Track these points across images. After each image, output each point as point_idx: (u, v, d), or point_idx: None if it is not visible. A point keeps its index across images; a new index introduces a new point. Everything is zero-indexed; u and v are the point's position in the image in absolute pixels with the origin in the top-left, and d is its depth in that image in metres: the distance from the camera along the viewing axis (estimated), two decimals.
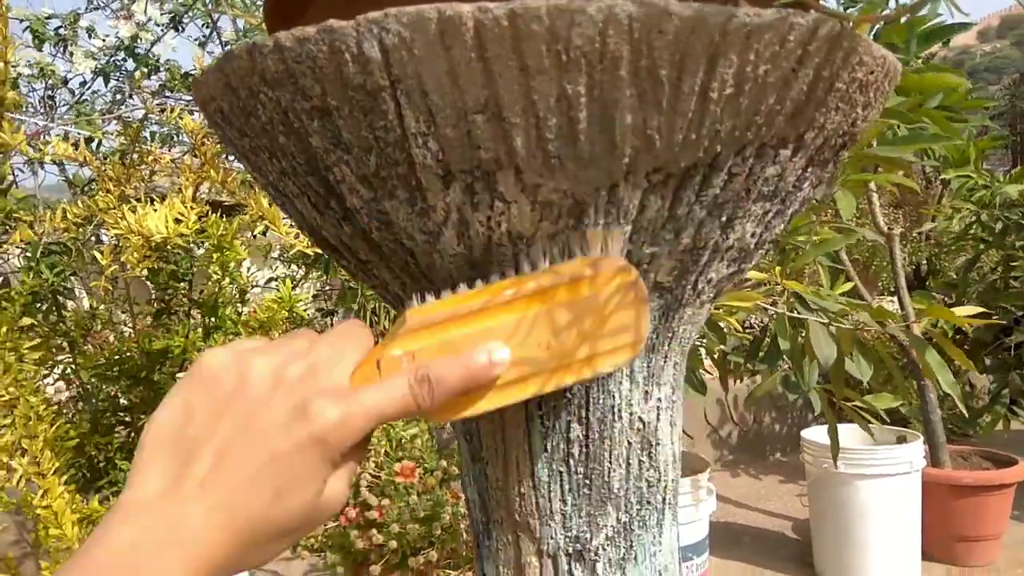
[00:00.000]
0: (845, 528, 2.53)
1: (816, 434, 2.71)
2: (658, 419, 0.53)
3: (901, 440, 2.59)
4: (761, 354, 1.77)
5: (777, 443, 4.25)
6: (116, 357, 1.49)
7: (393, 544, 1.61)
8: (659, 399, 0.52)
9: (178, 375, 1.53)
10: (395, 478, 1.65)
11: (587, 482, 0.52)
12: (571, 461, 0.51)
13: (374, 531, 1.61)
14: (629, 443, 0.51)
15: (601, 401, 0.50)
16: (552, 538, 0.52)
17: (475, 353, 0.41)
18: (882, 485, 2.45)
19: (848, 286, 1.93)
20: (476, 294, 0.42)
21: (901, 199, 4.96)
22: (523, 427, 0.50)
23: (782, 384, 2.01)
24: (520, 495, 0.52)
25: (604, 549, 0.52)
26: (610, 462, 0.52)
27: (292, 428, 0.37)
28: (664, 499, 0.55)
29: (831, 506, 2.57)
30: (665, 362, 0.52)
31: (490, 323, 0.41)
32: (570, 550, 0.52)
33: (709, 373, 3.10)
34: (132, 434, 1.68)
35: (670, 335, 0.51)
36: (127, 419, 1.68)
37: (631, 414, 0.51)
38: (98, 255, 1.43)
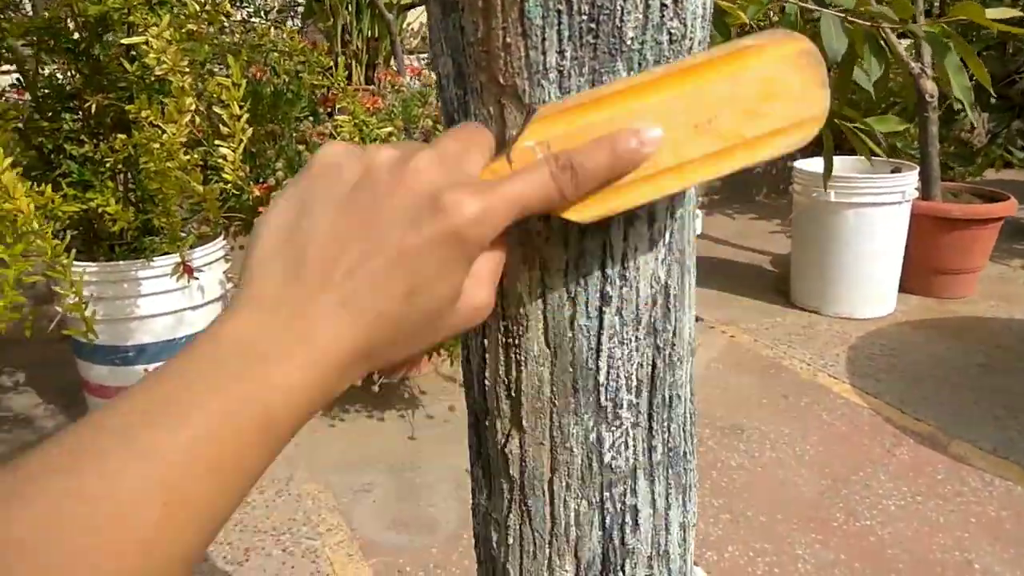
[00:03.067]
0: (826, 259, 2.54)
1: (808, 164, 2.62)
2: None
3: (895, 171, 2.51)
4: None
5: (763, 185, 4.20)
6: (47, 26, 1.31)
7: None
8: None
9: (121, 40, 1.36)
10: None
11: (592, 27, 0.40)
12: None
13: None
14: None
15: None
16: (544, 102, 0.41)
17: (622, 134, 0.35)
18: (871, 214, 2.41)
19: None
20: (623, 80, 0.36)
21: None
22: None
23: None
24: (504, 46, 0.40)
25: None
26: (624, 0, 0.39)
27: (424, 221, 0.32)
28: None
29: (815, 236, 2.55)
30: None
31: (636, 104, 0.35)
32: None
33: None
34: (81, 121, 1.54)
35: None
36: (73, 105, 1.54)
37: None
38: None
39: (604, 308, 0.45)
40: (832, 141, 1.73)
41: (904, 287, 2.62)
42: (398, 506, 1.66)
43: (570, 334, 0.45)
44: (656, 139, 0.36)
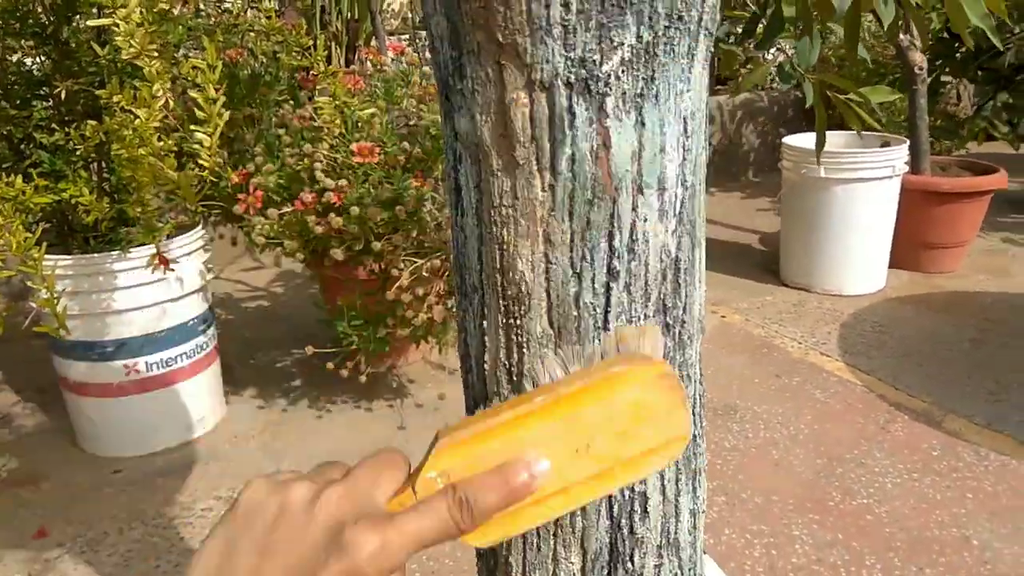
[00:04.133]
0: (816, 235, 2.52)
1: (797, 140, 2.60)
2: None
3: (885, 145, 2.49)
4: (759, 31, 1.58)
5: (752, 163, 4.18)
6: (13, 8, 1.25)
7: (354, 229, 1.51)
8: None
9: (90, 23, 1.31)
10: (352, 159, 1.51)
11: None
12: None
13: (332, 215, 1.50)
14: None
15: None
16: (548, 62, 0.37)
17: (513, 468, 0.38)
18: (861, 189, 2.39)
19: None
20: (506, 405, 0.40)
21: None
22: None
23: (776, 73, 1.85)
24: (504, 0, 0.37)
25: (617, 78, 0.38)
26: None
27: (330, 557, 0.35)
28: (700, 20, 0.40)
29: (804, 213, 2.53)
30: None
31: (523, 432, 0.38)
32: (571, 79, 0.38)
33: None
34: (51, 108, 1.49)
35: None
36: (42, 92, 1.48)
37: None
38: None
39: (611, 284, 0.42)
40: (824, 114, 1.70)
41: (893, 262, 2.61)
42: None
43: (575, 312, 0.42)
44: (544, 471, 0.39)
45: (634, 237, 0.41)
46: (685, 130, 0.41)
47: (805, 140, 2.58)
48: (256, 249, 1.72)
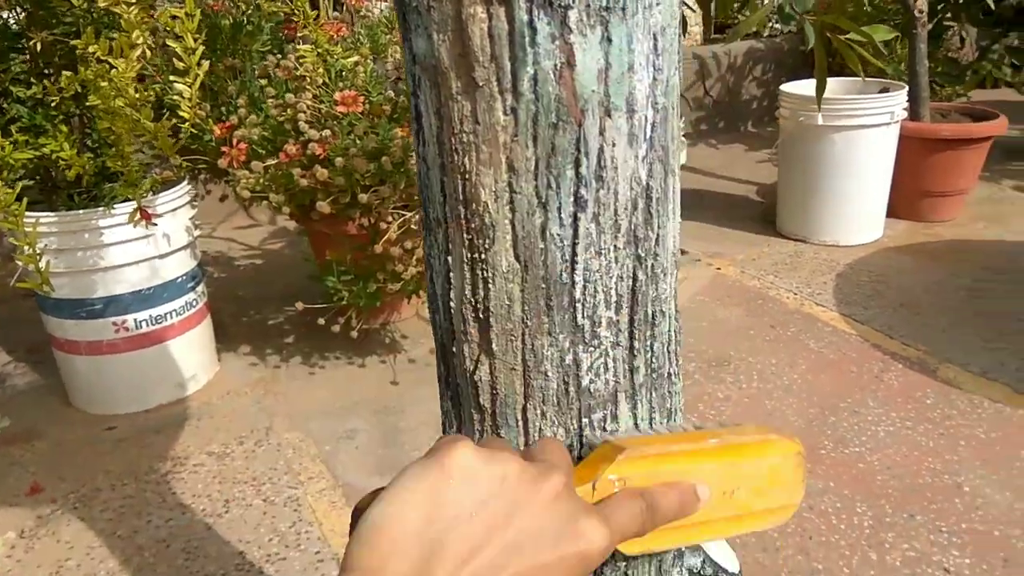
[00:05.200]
0: (813, 185, 2.49)
1: (795, 87, 2.55)
2: None
3: (884, 91, 2.45)
4: None
5: (751, 115, 4.12)
6: None
7: (340, 180, 1.48)
8: None
9: None
10: (336, 109, 1.47)
11: None
12: None
13: (318, 167, 1.47)
14: None
15: None
16: None
17: (688, 488, 0.42)
18: (859, 136, 2.35)
19: None
20: (683, 437, 0.44)
21: None
22: None
23: (776, 14, 1.80)
24: None
25: None
26: None
27: (561, 541, 0.35)
28: None
29: (801, 162, 2.49)
30: None
31: (693, 465, 0.43)
32: None
33: (691, 8, 2.84)
34: (28, 62, 1.45)
35: None
36: (19, 46, 1.44)
37: None
38: None
39: (579, 214, 0.40)
40: (825, 57, 1.66)
41: (891, 211, 2.58)
42: (382, 451, 1.62)
43: (541, 245, 0.40)
44: (706, 498, 0.43)
45: (602, 164, 0.39)
46: (655, 47, 0.39)
47: (803, 87, 2.53)
48: (244, 204, 1.70)
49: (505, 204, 0.40)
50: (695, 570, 0.51)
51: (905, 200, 2.61)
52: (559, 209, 0.40)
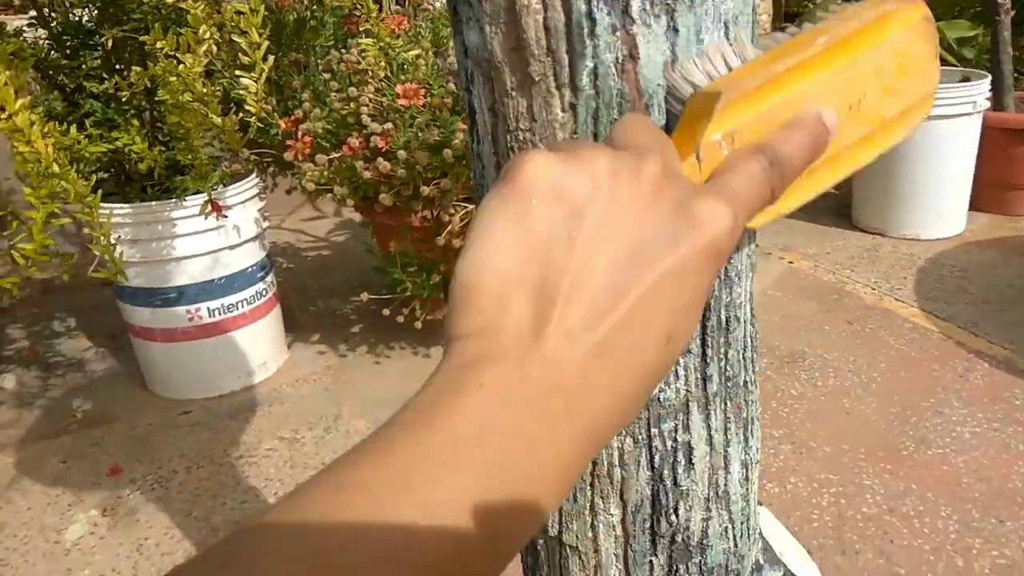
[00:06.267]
0: (891, 176, 2.38)
1: None
2: None
3: (965, 80, 2.32)
4: None
5: None
6: None
7: (402, 173, 1.48)
8: None
9: None
10: (397, 102, 1.47)
11: None
12: None
13: (380, 160, 1.47)
14: None
15: None
16: None
17: (813, 123, 0.32)
18: (939, 127, 2.24)
19: None
20: (782, 50, 0.33)
21: None
22: None
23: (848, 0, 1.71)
24: None
25: None
26: None
27: (679, 238, 0.27)
28: None
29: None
30: None
31: (803, 84, 0.32)
32: None
33: None
34: (100, 58, 1.49)
35: None
36: (91, 41, 1.48)
37: None
38: None
39: None
40: None
41: (973, 205, 2.45)
42: None
43: None
44: (835, 123, 0.33)
45: None
46: (727, 36, 0.36)
47: None
48: (310, 197, 1.71)
49: None
50: None
51: (988, 192, 2.47)
52: None
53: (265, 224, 1.83)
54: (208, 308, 1.77)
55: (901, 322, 1.96)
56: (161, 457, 1.63)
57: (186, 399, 1.84)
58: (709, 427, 0.43)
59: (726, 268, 0.40)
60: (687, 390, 0.41)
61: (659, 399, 0.41)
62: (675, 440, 0.42)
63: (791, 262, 2.35)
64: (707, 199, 0.28)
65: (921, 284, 2.15)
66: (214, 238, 1.70)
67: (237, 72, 1.32)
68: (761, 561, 0.48)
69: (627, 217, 0.27)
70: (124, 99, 1.42)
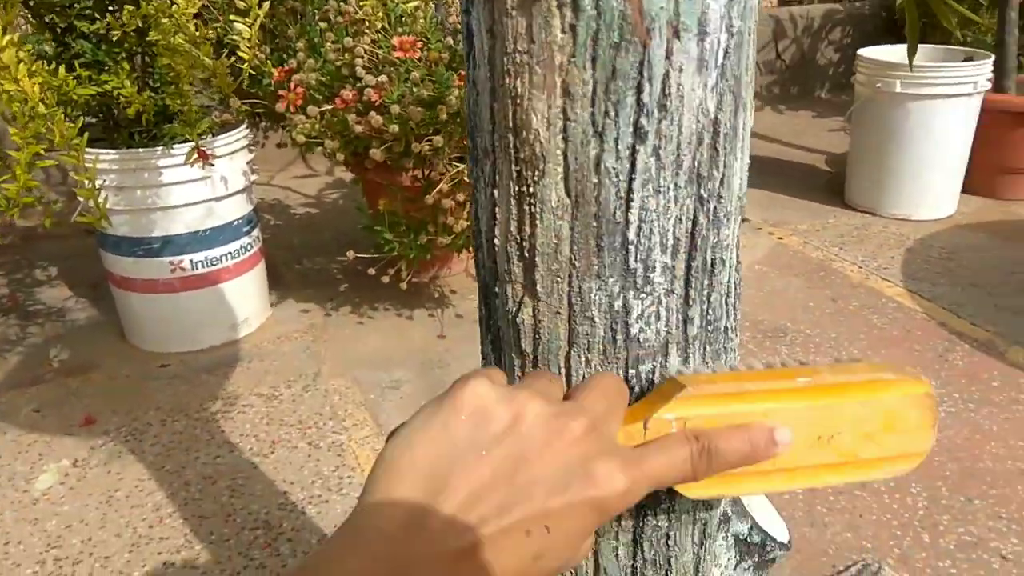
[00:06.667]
0: (886, 155, 2.38)
1: (874, 52, 2.43)
2: None
3: (968, 59, 2.32)
4: None
5: (826, 80, 3.97)
6: None
7: (394, 128, 1.46)
8: None
9: None
10: (393, 55, 1.45)
11: None
12: None
13: (373, 114, 1.45)
14: None
15: None
16: None
17: (759, 431, 0.37)
18: (938, 107, 2.24)
19: None
20: (767, 374, 0.40)
21: None
22: None
23: None
24: None
25: None
26: None
27: (571, 487, 0.33)
28: None
29: (875, 131, 2.38)
30: None
31: (775, 406, 0.38)
32: None
33: None
34: None
35: None
36: None
37: None
38: None
39: (637, 146, 0.37)
40: (916, 15, 1.55)
41: (967, 187, 2.46)
42: (425, 403, 1.62)
43: (595, 179, 0.37)
44: (787, 443, 0.38)
45: (667, 91, 0.36)
46: None
47: (882, 52, 2.41)
48: (301, 151, 1.69)
49: (558, 132, 0.37)
50: (741, 536, 0.49)
51: (982, 175, 2.48)
52: (616, 140, 0.36)
53: (253, 177, 1.81)
54: (191, 260, 1.75)
55: (885, 301, 1.97)
56: (136, 409, 1.62)
57: (165, 352, 1.82)
58: (687, 370, 0.43)
59: (715, 208, 0.40)
60: (667, 331, 0.41)
61: (639, 339, 0.41)
62: (652, 382, 0.42)
63: (780, 238, 2.35)
64: (612, 462, 0.34)
65: (908, 264, 2.16)
66: (201, 188, 1.68)
67: (231, 17, 1.30)
68: (729, 513, 0.48)
69: (534, 455, 0.33)
70: (115, 39, 1.40)
